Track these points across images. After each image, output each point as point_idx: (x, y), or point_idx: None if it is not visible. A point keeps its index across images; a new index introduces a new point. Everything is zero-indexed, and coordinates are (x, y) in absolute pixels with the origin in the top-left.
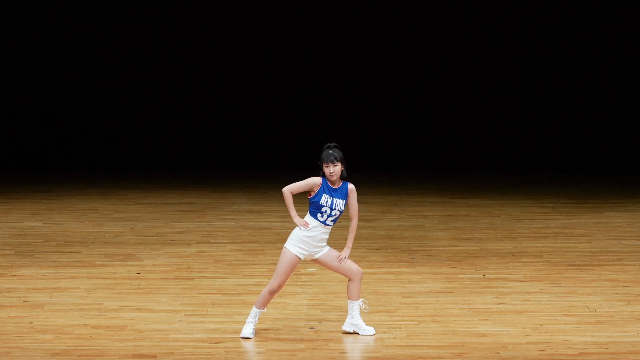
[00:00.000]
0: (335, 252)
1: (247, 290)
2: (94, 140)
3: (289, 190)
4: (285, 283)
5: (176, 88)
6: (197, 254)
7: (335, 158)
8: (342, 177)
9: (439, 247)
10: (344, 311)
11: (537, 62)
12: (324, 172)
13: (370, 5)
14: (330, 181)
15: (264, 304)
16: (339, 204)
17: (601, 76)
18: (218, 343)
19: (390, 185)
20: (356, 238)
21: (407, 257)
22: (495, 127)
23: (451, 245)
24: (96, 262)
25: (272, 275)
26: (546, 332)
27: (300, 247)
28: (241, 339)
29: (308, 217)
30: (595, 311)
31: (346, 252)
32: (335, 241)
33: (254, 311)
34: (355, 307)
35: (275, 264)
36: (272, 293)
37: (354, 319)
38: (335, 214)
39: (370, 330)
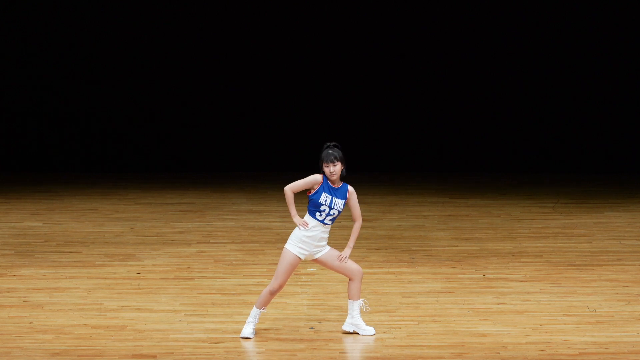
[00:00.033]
0: (335, 252)
1: (247, 290)
2: (94, 140)
3: (290, 189)
4: (286, 283)
5: (176, 88)
6: (197, 254)
7: (335, 157)
8: (341, 177)
9: (439, 247)
10: (344, 311)
11: (537, 62)
12: (324, 172)
13: (370, 5)
14: (330, 181)
15: (265, 304)
16: (338, 203)
17: (601, 76)
18: (218, 343)
19: (390, 185)
20: (357, 239)
21: (407, 257)
22: (495, 127)
23: (451, 245)
24: (96, 262)
25: (272, 275)
26: (546, 332)
27: (300, 247)
28: (241, 339)
29: (307, 217)
30: (595, 311)
31: (347, 251)
32: (336, 241)
33: (254, 311)
34: (355, 307)
35: (275, 264)
36: (273, 293)
37: (354, 319)
38: (334, 214)
39: (370, 330)
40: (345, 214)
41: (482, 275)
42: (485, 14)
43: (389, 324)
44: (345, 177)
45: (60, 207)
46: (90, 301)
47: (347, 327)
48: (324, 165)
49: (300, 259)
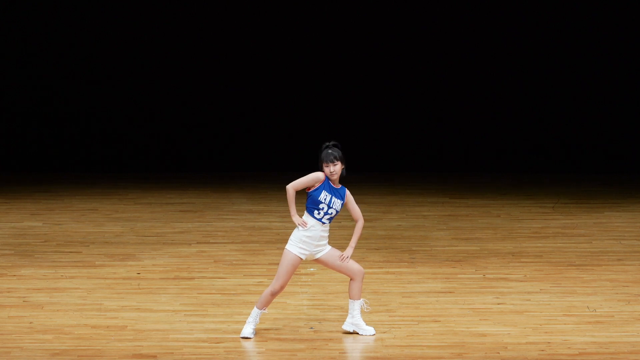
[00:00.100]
0: (336, 252)
1: (247, 290)
2: (94, 140)
3: (292, 187)
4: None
5: (176, 88)
6: (197, 254)
7: (335, 157)
8: (341, 176)
9: (439, 247)
10: (344, 311)
11: (537, 62)
12: (324, 172)
13: (370, 5)
14: (331, 180)
15: (265, 304)
16: (337, 203)
17: (601, 76)
18: (218, 343)
19: (390, 185)
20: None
21: (407, 257)
22: (495, 127)
23: (451, 245)
24: (96, 262)
25: (272, 275)
26: (546, 332)
27: (300, 248)
28: (241, 339)
29: (306, 216)
30: (595, 311)
31: (349, 251)
32: (336, 241)
33: (255, 312)
34: (356, 307)
35: (275, 264)
36: (274, 294)
37: (355, 319)
38: (332, 213)
39: (370, 330)
40: (345, 214)
41: (482, 275)
42: (485, 14)
43: (389, 324)
44: (345, 177)
45: (60, 207)
46: (90, 301)
47: (347, 326)
48: (324, 165)
49: (301, 259)
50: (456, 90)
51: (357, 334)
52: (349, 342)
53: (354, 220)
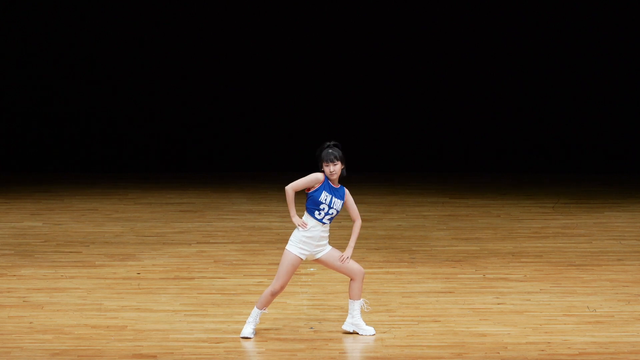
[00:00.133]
0: (337, 252)
1: (247, 290)
2: (94, 140)
3: (292, 188)
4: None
5: (176, 88)
6: (197, 254)
7: (335, 157)
8: (341, 176)
9: (439, 247)
10: (344, 311)
11: (537, 62)
12: (323, 172)
13: (370, 5)
14: (330, 180)
15: (265, 304)
16: (337, 203)
17: (601, 76)
18: (218, 343)
19: (390, 185)
20: (357, 238)
21: (407, 257)
22: (495, 127)
23: (451, 245)
24: (96, 262)
25: (272, 275)
26: (546, 332)
27: (301, 248)
28: (241, 339)
29: (306, 217)
30: (595, 311)
31: (348, 252)
32: (336, 241)
33: (255, 312)
34: (356, 307)
35: (276, 264)
36: (274, 294)
37: (355, 319)
38: (332, 213)
39: (370, 330)
40: (345, 214)
41: (482, 275)
42: (485, 14)
43: (389, 324)
44: (345, 177)
45: (60, 207)
46: (90, 301)
47: (347, 326)
48: (324, 164)
49: (301, 259)
50: (456, 90)
51: (357, 334)
52: (349, 342)
53: (351, 220)
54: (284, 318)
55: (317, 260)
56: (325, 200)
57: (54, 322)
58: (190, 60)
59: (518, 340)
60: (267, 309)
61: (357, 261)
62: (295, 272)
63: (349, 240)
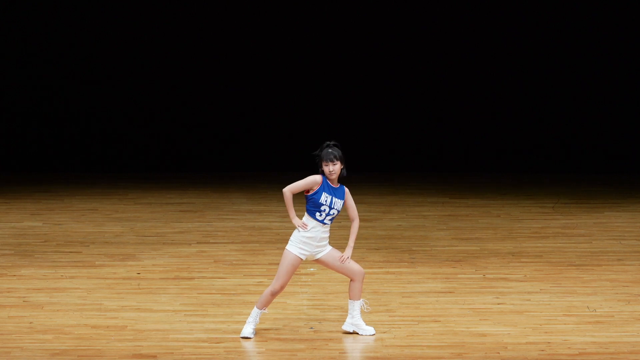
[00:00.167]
0: (337, 252)
1: (247, 290)
2: (94, 140)
3: (289, 190)
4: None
5: (176, 88)
6: (197, 254)
7: (335, 157)
8: (341, 177)
9: (439, 247)
10: (344, 311)
11: (537, 62)
12: (322, 171)
13: (370, 5)
14: (329, 180)
15: (265, 304)
16: (338, 203)
17: (601, 76)
18: (218, 343)
19: (390, 185)
20: (356, 238)
21: (407, 257)
22: (495, 127)
23: (451, 245)
24: (96, 262)
25: (272, 275)
26: (546, 332)
27: (301, 248)
28: (241, 339)
29: (306, 218)
30: (595, 311)
31: (348, 252)
32: (336, 241)
33: (255, 312)
34: (356, 307)
35: (276, 264)
36: (274, 294)
37: (355, 319)
38: (333, 213)
39: (370, 330)
40: (344, 214)
41: (482, 275)
42: (485, 14)
43: (389, 324)
44: (345, 177)
45: (60, 207)
46: (90, 301)
47: (347, 327)
48: (324, 164)
49: (301, 259)
50: (456, 90)
51: (357, 334)
52: (349, 342)
53: (350, 219)
54: (284, 318)
55: (317, 261)
56: (326, 201)
57: (54, 322)
58: (190, 60)
59: (518, 340)
60: (267, 309)
61: (357, 261)
62: (295, 272)
63: (348, 240)
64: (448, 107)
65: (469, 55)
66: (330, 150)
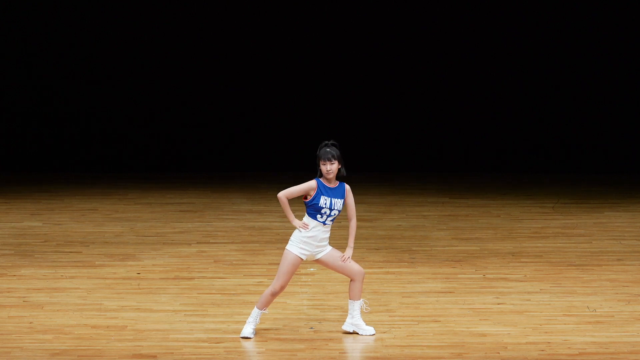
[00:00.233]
0: (337, 252)
1: (247, 290)
2: (94, 140)
3: (284, 195)
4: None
5: (176, 88)
6: (197, 254)
7: (333, 156)
8: (341, 176)
9: (439, 247)
10: (344, 311)
11: (537, 62)
12: (320, 170)
13: (370, 5)
14: (326, 180)
15: (266, 305)
16: (338, 203)
17: (601, 76)
18: (218, 343)
19: (390, 185)
20: (356, 238)
21: (407, 257)
22: (495, 127)
23: (451, 245)
24: (96, 262)
25: (272, 275)
26: (546, 332)
27: (301, 248)
28: (241, 339)
29: (307, 218)
30: (595, 311)
31: (349, 252)
32: (336, 241)
33: (255, 312)
34: (356, 307)
35: (276, 264)
36: (274, 294)
37: (355, 319)
38: (334, 214)
39: (370, 330)
40: (344, 214)
41: (482, 275)
42: (485, 14)
43: (389, 324)
44: (345, 177)
45: (60, 207)
46: (90, 301)
47: (347, 327)
48: (321, 163)
49: (301, 259)
50: (456, 90)
51: (357, 334)
52: (349, 342)
53: (347, 218)
54: (284, 318)
55: (317, 261)
56: (326, 204)
57: (54, 322)
58: (190, 60)
59: (518, 340)
60: (267, 309)
61: (357, 261)
62: (296, 272)
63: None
64: (448, 107)
65: (469, 55)
66: (328, 149)
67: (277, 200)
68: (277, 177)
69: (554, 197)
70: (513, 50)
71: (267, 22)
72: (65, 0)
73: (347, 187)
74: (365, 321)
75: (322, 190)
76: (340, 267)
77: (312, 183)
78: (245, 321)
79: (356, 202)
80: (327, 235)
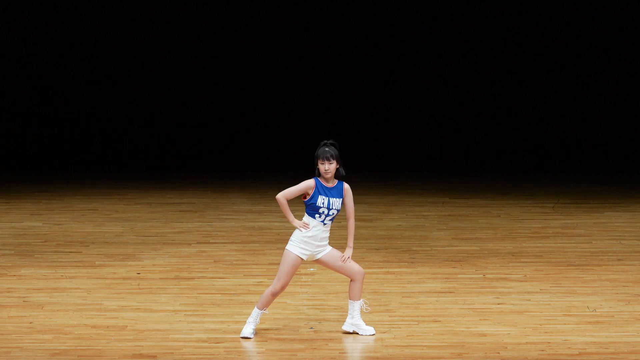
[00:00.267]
0: (337, 253)
1: (247, 290)
2: (94, 140)
3: (283, 196)
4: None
5: (176, 88)
6: (197, 254)
7: (331, 155)
8: (340, 176)
9: (439, 247)
10: (344, 311)
11: (537, 62)
12: (318, 169)
13: (370, 5)
14: (324, 179)
15: (266, 305)
16: (336, 203)
17: (601, 76)
18: (218, 343)
19: (390, 185)
20: (356, 238)
21: (407, 257)
22: (495, 127)
23: (451, 245)
24: (96, 262)
25: (272, 275)
26: (546, 332)
27: (302, 248)
28: (241, 339)
29: (306, 218)
30: (595, 311)
31: (349, 252)
32: (335, 241)
33: (255, 312)
34: (356, 307)
35: (276, 264)
36: (275, 294)
37: (355, 319)
38: (333, 214)
39: (370, 330)
40: (342, 214)
41: (482, 275)
42: (485, 14)
43: (389, 324)
44: (344, 177)
45: (60, 207)
46: (90, 301)
47: (347, 327)
48: (319, 162)
49: (302, 259)
50: (456, 90)
51: (357, 334)
52: (349, 342)
53: (346, 217)
54: (284, 318)
55: (318, 261)
56: (323, 203)
57: (54, 322)
58: (190, 60)
59: (518, 340)
60: (267, 309)
61: (357, 261)
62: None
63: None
64: (448, 107)
65: (469, 55)
66: (327, 149)
67: (276, 200)
68: (277, 177)
69: (554, 197)
70: (513, 50)
71: (267, 22)
72: (65, 0)
73: (346, 186)
74: (365, 321)
75: (320, 189)
76: (340, 267)
77: (311, 182)
78: (245, 321)
79: (356, 202)
80: (327, 234)
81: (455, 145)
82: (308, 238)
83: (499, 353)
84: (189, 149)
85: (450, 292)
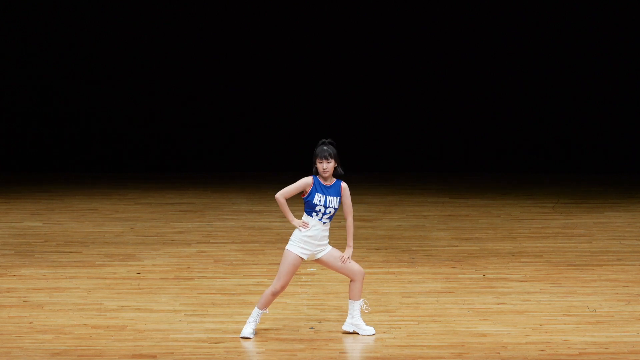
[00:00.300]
0: (337, 252)
1: (247, 290)
2: (94, 140)
3: (282, 195)
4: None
5: (176, 88)
6: (197, 254)
7: (330, 154)
8: (338, 175)
9: (439, 247)
10: (344, 311)
11: (537, 62)
12: (316, 168)
13: (370, 5)
14: (322, 178)
15: (266, 305)
16: (333, 201)
17: (601, 76)
18: (218, 343)
19: (390, 185)
20: (356, 238)
21: (407, 257)
22: (495, 127)
23: (451, 245)
24: (96, 262)
25: (272, 275)
26: (546, 332)
27: (302, 248)
28: (241, 339)
29: (305, 217)
30: (595, 311)
31: (348, 252)
32: (335, 241)
33: (256, 312)
34: (356, 307)
35: (276, 264)
36: (275, 294)
37: (355, 319)
38: (330, 212)
39: (370, 330)
40: (340, 213)
41: (482, 275)
42: (485, 14)
43: (389, 324)
44: (343, 176)
45: (60, 207)
46: (90, 301)
47: (347, 327)
48: (317, 161)
49: (302, 259)
50: (456, 90)
51: (357, 334)
52: (349, 342)
53: (344, 216)
54: (284, 318)
55: (318, 261)
56: (320, 201)
57: (54, 322)
58: (190, 60)
59: (518, 340)
60: (267, 309)
61: (357, 261)
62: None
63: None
64: (448, 107)
65: (469, 55)
66: (325, 147)
67: (276, 200)
68: (277, 177)
69: (554, 197)
70: (513, 50)
71: (267, 22)
72: (65, 0)
73: (344, 184)
74: (365, 321)
75: (317, 187)
76: (340, 267)
77: (309, 179)
78: (245, 321)
79: (356, 202)
80: (327, 234)
81: (455, 145)
82: (308, 238)
83: (499, 353)
84: (189, 149)
85: (450, 292)
